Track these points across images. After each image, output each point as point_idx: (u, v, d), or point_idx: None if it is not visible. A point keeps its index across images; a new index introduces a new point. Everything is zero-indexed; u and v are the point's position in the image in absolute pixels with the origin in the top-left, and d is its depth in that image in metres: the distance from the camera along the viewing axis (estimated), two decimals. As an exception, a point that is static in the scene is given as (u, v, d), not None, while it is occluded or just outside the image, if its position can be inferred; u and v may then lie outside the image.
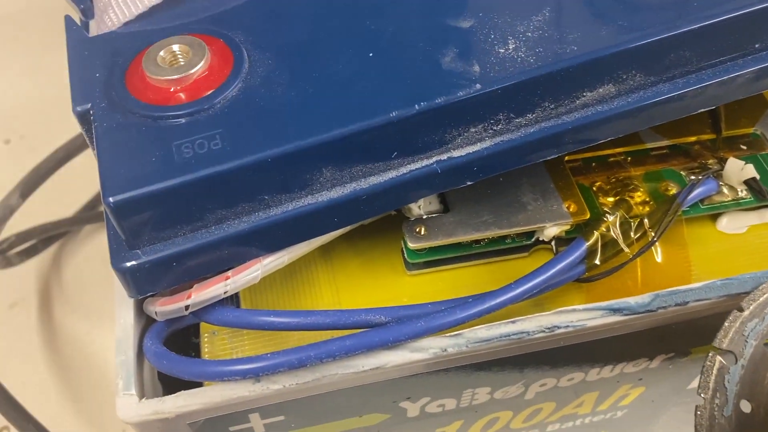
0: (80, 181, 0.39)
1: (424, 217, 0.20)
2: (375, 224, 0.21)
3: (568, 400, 0.23)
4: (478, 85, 0.17)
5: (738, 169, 0.21)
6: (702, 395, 0.17)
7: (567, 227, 0.20)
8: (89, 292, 0.39)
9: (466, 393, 0.20)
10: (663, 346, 0.21)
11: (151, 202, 0.16)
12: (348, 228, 0.20)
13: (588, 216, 0.20)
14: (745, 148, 0.23)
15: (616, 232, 0.20)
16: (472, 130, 0.18)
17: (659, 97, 0.19)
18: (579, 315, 0.18)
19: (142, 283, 0.17)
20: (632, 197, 0.21)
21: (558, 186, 0.21)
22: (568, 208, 0.20)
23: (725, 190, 0.22)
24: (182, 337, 0.20)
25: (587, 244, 0.19)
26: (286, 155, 0.16)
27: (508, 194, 0.21)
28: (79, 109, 0.18)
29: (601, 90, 0.18)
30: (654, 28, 0.18)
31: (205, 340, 0.19)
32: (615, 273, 0.20)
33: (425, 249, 0.20)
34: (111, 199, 0.16)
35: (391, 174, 0.18)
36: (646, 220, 0.20)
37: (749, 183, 0.21)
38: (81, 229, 0.41)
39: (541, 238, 0.21)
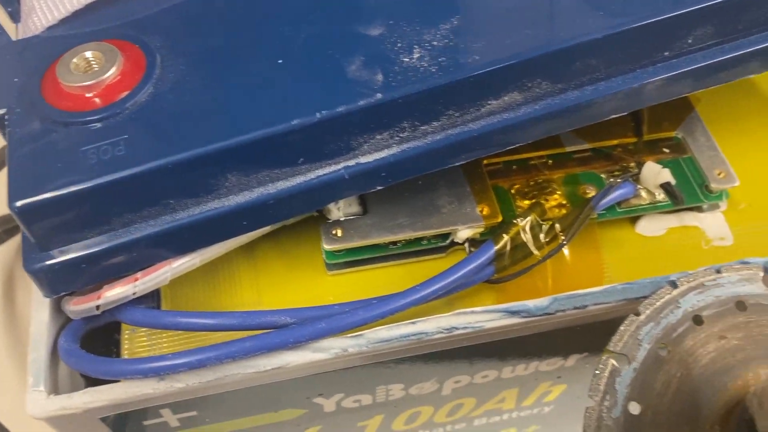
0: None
1: (342, 219, 0.21)
2: (299, 224, 0.21)
3: (489, 396, 0.23)
4: (379, 95, 0.17)
5: (654, 173, 0.22)
6: (593, 397, 0.17)
7: (480, 230, 0.21)
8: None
9: (380, 389, 0.21)
10: (575, 345, 0.21)
11: (53, 207, 0.16)
12: (269, 228, 0.20)
13: (500, 219, 0.21)
14: (667, 151, 0.23)
15: (526, 236, 0.20)
16: (378, 137, 0.18)
17: (567, 104, 0.19)
18: (477, 317, 0.18)
19: (55, 284, 0.18)
20: (548, 200, 0.22)
21: (474, 189, 0.21)
22: (481, 211, 0.21)
23: (643, 193, 0.22)
24: (107, 335, 0.21)
25: (496, 247, 0.20)
26: (188, 161, 0.17)
27: (425, 197, 0.21)
28: (-5, 114, 0.18)
29: (506, 98, 0.19)
30: (558, 37, 0.18)
31: (125, 337, 0.20)
32: (527, 274, 0.21)
33: (343, 250, 0.21)
34: (15, 204, 0.16)
35: (299, 179, 0.18)
36: (557, 224, 0.21)
37: (665, 187, 0.22)
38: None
39: (455, 240, 0.21)
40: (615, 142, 0.23)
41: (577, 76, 0.19)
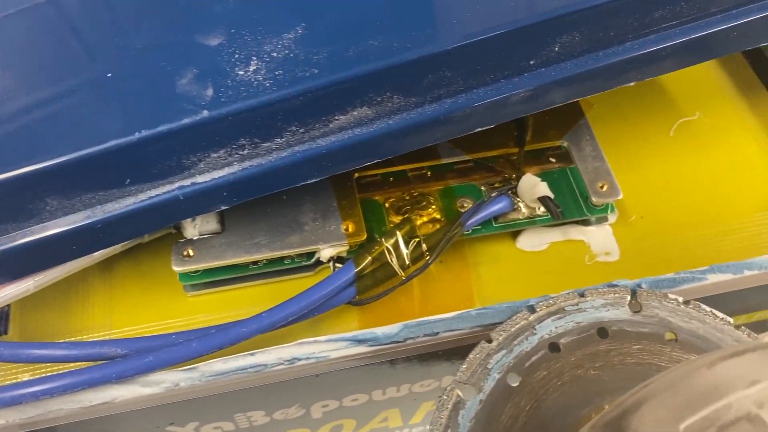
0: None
1: (197, 237, 0.20)
2: (158, 242, 0.20)
3: (368, 417, 0.22)
4: (205, 112, 0.16)
5: (531, 186, 0.21)
6: (434, 431, 0.16)
7: (344, 248, 0.20)
8: None
9: (239, 416, 0.20)
10: (443, 368, 0.20)
11: None
12: (123, 247, 0.19)
13: (364, 237, 0.20)
14: (554, 161, 0.22)
15: (390, 255, 0.19)
16: (214, 155, 0.17)
17: (424, 119, 0.18)
18: (321, 346, 0.17)
19: None
20: (421, 215, 0.21)
21: (341, 205, 0.20)
22: (345, 229, 0.20)
23: (522, 206, 0.21)
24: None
25: (356, 268, 0.19)
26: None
27: (288, 214, 0.20)
28: None
29: (355, 113, 0.17)
30: (405, 49, 0.17)
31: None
32: (394, 295, 0.20)
33: (198, 271, 0.20)
34: None
35: (130, 201, 0.17)
36: (423, 243, 0.19)
37: (542, 200, 0.21)
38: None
39: (321, 259, 0.20)
40: (496, 152, 0.22)
41: (432, 89, 0.18)
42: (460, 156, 0.22)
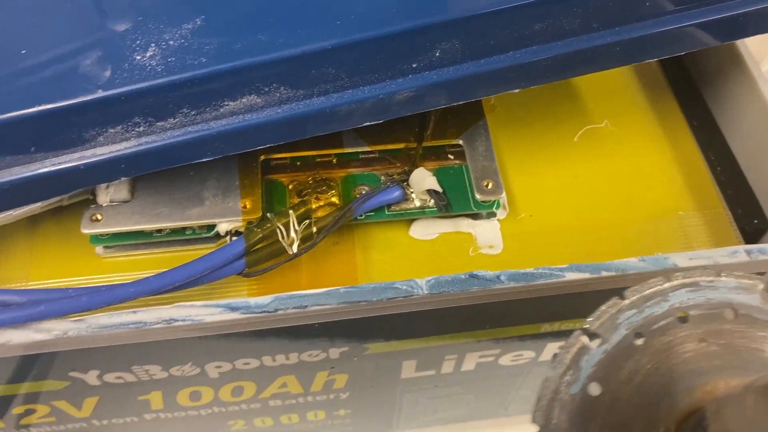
0: None
1: (107, 204, 0.22)
2: (79, 205, 0.22)
3: (267, 381, 0.24)
4: (100, 91, 0.18)
5: (421, 179, 0.22)
6: (555, 369, 0.17)
7: (240, 224, 0.22)
8: None
9: (136, 368, 0.22)
10: (328, 341, 0.22)
11: None
12: (45, 207, 0.21)
13: (259, 215, 0.21)
14: (452, 157, 0.23)
15: (280, 233, 0.21)
16: (112, 130, 0.19)
17: (311, 109, 0.20)
18: (198, 310, 0.19)
19: None
20: (320, 199, 0.22)
21: (242, 183, 0.22)
22: (243, 206, 0.22)
23: (415, 198, 0.23)
24: None
25: (246, 242, 0.21)
26: None
27: (192, 188, 0.22)
28: None
29: (245, 100, 0.19)
30: (288, 43, 0.19)
31: None
32: (283, 270, 0.22)
33: (107, 234, 0.22)
34: None
35: (35, 167, 0.19)
36: (314, 224, 0.21)
37: (430, 193, 0.22)
38: None
39: (220, 232, 0.22)
40: (397, 146, 0.23)
41: (318, 83, 0.19)
42: (363, 147, 0.23)
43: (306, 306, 0.19)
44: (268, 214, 0.21)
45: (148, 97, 0.18)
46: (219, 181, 0.22)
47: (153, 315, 0.19)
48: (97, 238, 0.22)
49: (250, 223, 0.22)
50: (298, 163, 0.23)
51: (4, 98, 0.18)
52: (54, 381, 0.22)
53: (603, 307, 0.17)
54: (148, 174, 0.20)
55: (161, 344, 0.21)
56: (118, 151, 0.19)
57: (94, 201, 0.22)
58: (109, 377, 0.22)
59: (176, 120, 0.19)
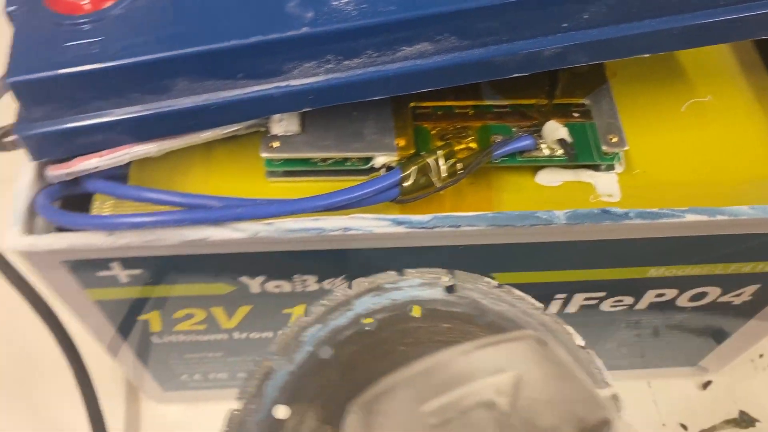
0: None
1: (281, 134, 0.25)
2: (251, 136, 0.26)
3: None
4: (305, 29, 0.21)
5: (553, 130, 0.25)
6: (240, 400, 0.17)
7: (395, 158, 0.25)
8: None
9: (296, 278, 0.25)
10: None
11: (38, 86, 0.21)
12: (223, 134, 0.24)
13: (412, 152, 0.25)
14: (576, 115, 0.26)
15: (430, 168, 0.24)
16: (306, 65, 0.22)
17: (472, 59, 0.23)
18: (369, 222, 0.22)
19: (37, 150, 0.22)
20: (460, 143, 0.26)
21: (396, 125, 0.25)
22: (398, 143, 0.25)
23: (544, 148, 0.26)
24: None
25: (402, 173, 0.24)
26: (146, 63, 0.21)
27: (354, 126, 0.25)
28: (8, 9, 0.23)
29: (418, 47, 0.22)
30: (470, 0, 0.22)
31: (95, 207, 0.25)
32: (428, 200, 0.25)
33: (279, 160, 0.25)
34: (10, 80, 0.21)
35: (237, 92, 0.22)
36: (458, 162, 0.24)
37: (561, 143, 0.25)
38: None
39: (375, 166, 0.25)
40: (529, 101, 0.26)
41: (482, 36, 0.22)
42: (499, 100, 0.26)
43: (459, 225, 0.23)
44: (422, 153, 0.24)
45: (343, 37, 0.21)
46: (376, 122, 0.25)
47: (332, 223, 0.22)
48: (270, 162, 0.25)
49: (403, 158, 0.25)
50: (440, 112, 0.26)
51: (227, 28, 0.21)
52: (223, 285, 0.25)
53: (284, 330, 0.17)
54: (317, 112, 0.24)
55: (323, 254, 0.24)
56: (309, 83, 0.22)
57: (266, 132, 0.25)
58: (270, 285, 0.25)
59: (360, 60, 0.22)
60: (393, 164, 0.25)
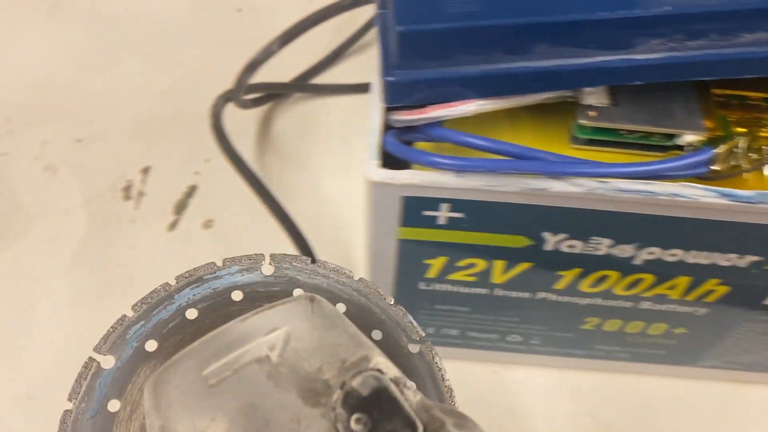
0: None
1: (594, 105, 0.27)
2: (551, 106, 0.28)
3: (665, 278, 0.29)
4: (667, 7, 0.23)
5: None
6: (71, 400, 0.18)
7: (702, 138, 0.26)
8: (289, 146, 0.48)
9: (592, 240, 0.27)
10: (752, 248, 0.27)
11: (414, 37, 0.23)
12: (532, 101, 0.27)
13: (722, 133, 0.26)
14: None
15: (738, 149, 0.26)
16: (654, 41, 0.24)
17: (804, 51, 0.24)
18: (697, 191, 0.24)
19: (394, 95, 0.25)
20: (759, 131, 0.27)
21: (702, 108, 0.27)
22: (707, 124, 0.26)
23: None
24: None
25: (714, 151, 0.26)
26: (512, 26, 0.23)
27: (664, 104, 0.27)
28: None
29: (759, 34, 0.24)
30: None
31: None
32: (729, 179, 0.26)
33: (592, 128, 0.27)
34: (397, 28, 0.23)
35: (586, 60, 0.24)
36: (765, 147, 0.26)
37: None
38: (292, 95, 0.50)
39: (679, 143, 0.27)
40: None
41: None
42: (793, 95, 0.28)
43: (782, 204, 0.24)
44: (730, 135, 0.26)
45: (700, 19, 0.23)
46: (684, 104, 0.27)
47: (661, 188, 0.24)
48: (582, 129, 0.27)
49: (710, 138, 0.26)
50: (734, 102, 0.28)
51: (595, 2, 0.23)
52: (524, 238, 0.27)
53: (111, 329, 0.19)
54: (628, 88, 0.26)
55: (632, 218, 0.26)
56: (650, 58, 0.24)
57: (573, 105, 0.27)
58: (564, 244, 0.28)
59: (702, 42, 0.24)
60: (697, 144, 0.27)
